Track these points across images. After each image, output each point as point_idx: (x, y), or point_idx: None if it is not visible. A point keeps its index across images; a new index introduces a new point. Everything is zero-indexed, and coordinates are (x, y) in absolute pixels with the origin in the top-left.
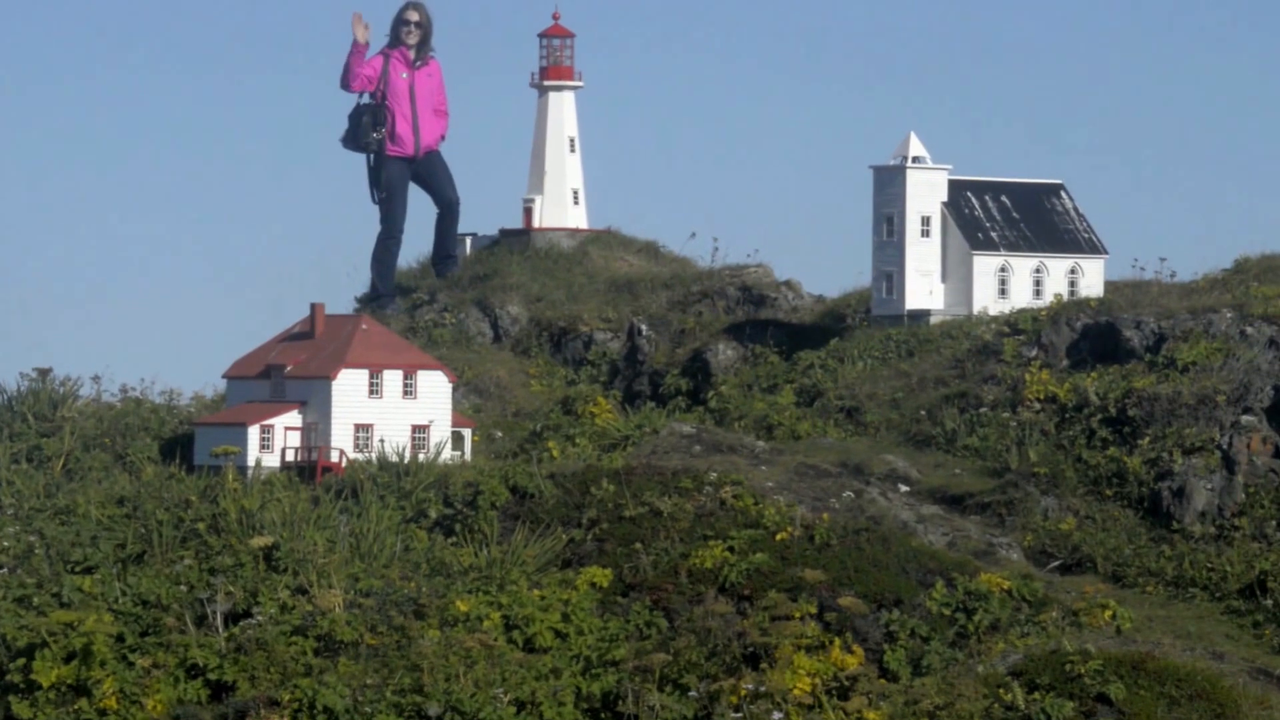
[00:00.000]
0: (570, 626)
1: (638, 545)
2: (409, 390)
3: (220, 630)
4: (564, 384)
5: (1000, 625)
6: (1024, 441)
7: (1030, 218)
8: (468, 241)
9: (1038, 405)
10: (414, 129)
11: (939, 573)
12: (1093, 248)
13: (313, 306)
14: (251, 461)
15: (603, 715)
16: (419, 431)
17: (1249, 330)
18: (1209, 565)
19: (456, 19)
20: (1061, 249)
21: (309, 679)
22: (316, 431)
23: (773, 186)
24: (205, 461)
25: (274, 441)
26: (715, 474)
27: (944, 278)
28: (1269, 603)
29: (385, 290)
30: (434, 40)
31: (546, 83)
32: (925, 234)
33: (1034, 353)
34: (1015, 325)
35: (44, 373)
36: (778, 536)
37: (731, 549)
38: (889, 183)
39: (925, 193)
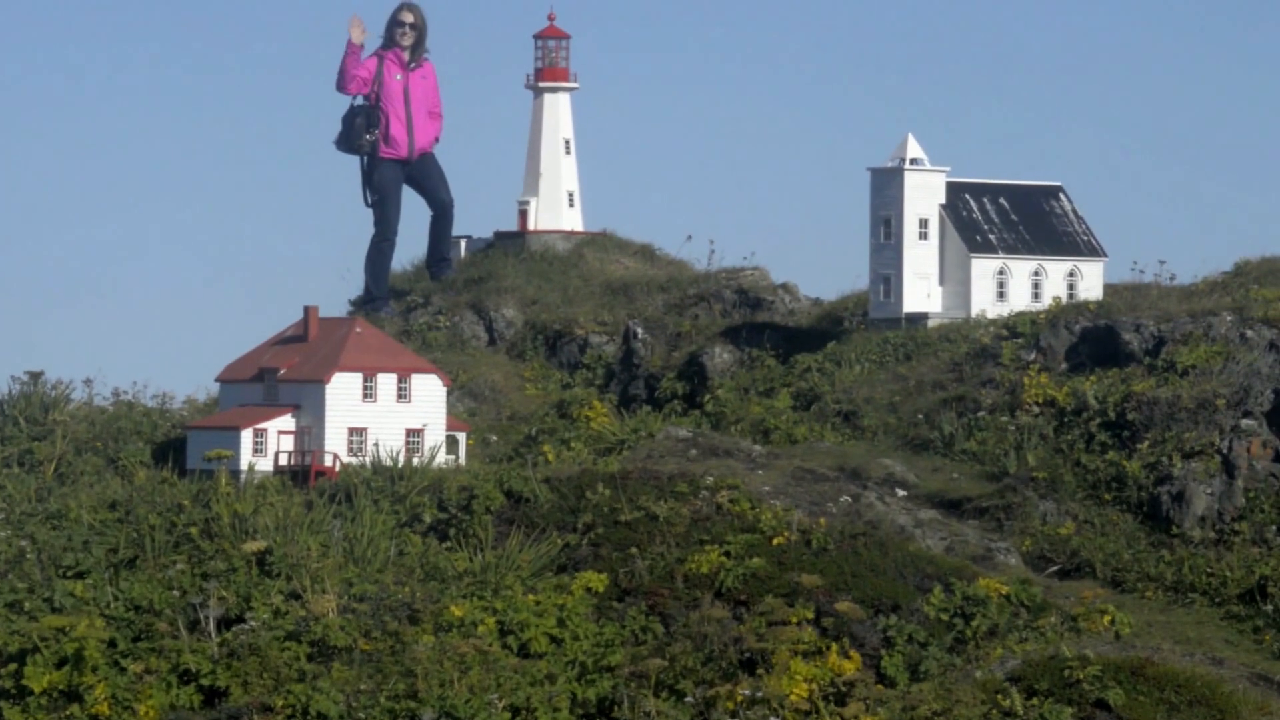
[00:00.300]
0: (565, 632)
1: (633, 550)
2: (403, 394)
3: (213, 635)
4: (559, 387)
5: (998, 631)
6: (1022, 445)
7: (1029, 220)
8: (462, 244)
9: (1036, 409)
10: (408, 131)
11: (937, 578)
12: (1092, 250)
13: (306, 309)
14: (244, 465)
15: None
16: (413, 435)
17: (1249, 333)
18: (1209, 570)
19: (451, 20)
20: (1060, 251)
21: (302, 685)
22: (310, 435)
23: (769, 189)
24: (198, 465)
25: (267, 445)
26: (712, 478)
27: (942, 280)
28: (1269, 608)
29: (379, 293)
30: (428, 41)
31: (542, 84)
32: (923, 236)
33: (1032, 356)
34: (1014, 328)
35: (35, 376)
36: (774, 541)
37: (728, 554)
38: (886, 185)
39: (923, 195)
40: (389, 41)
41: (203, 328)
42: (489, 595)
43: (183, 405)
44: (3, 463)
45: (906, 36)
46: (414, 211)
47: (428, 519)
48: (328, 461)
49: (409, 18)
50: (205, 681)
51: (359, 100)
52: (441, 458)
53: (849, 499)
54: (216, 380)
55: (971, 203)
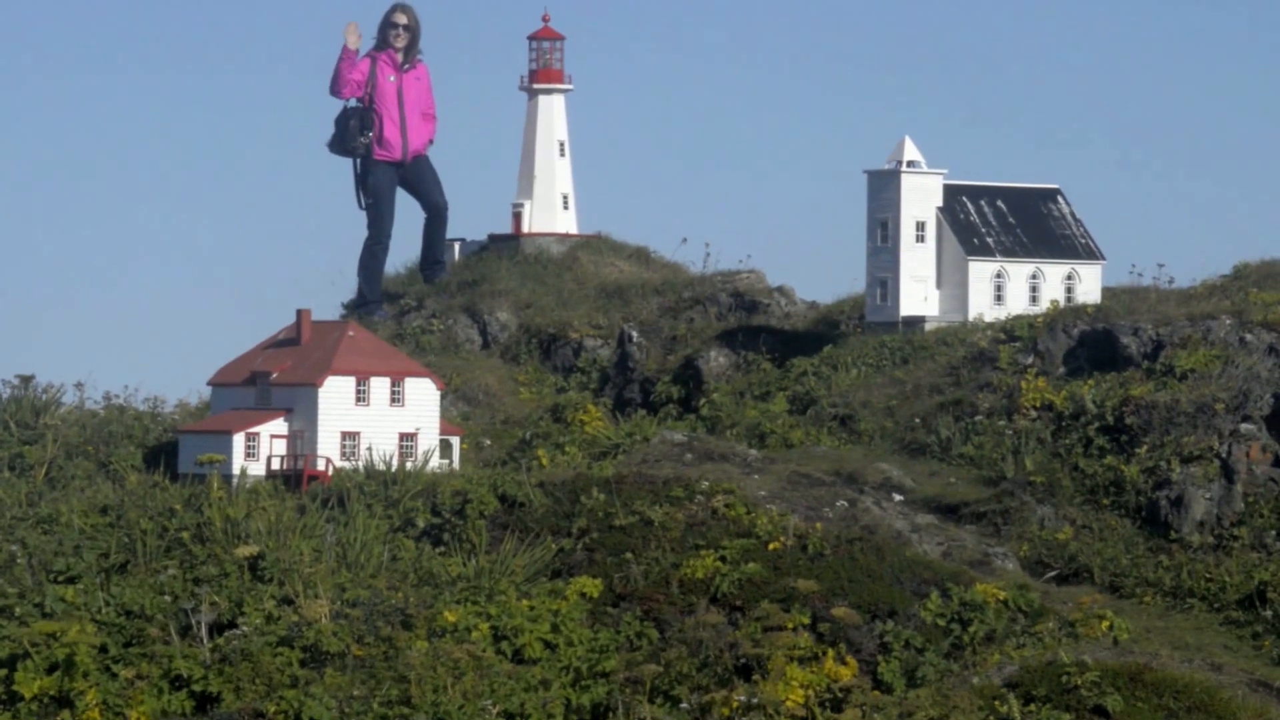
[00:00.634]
0: (560, 637)
1: (628, 555)
2: (396, 398)
3: (205, 641)
4: (553, 391)
5: (996, 636)
6: (1020, 450)
7: (1026, 223)
8: (456, 247)
9: (1034, 413)
10: (402, 133)
11: (934, 583)
12: (1090, 253)
13: (299, 313)
14: (236, 470)
15: None
16: (406, 439)
17: (1248, 337)
18: (1207, 575)
19: (445, 21)
20: (1058, 254)
21: (295, 690)
22: (303, 439)
23: (765, 191)
24: (190, 470)
25: (259, 449)
26: (707, 483)
27: (939, 284)
28: (1268, 613)
29: (372, 296)
30: (422, 43)
31: (536, 86)
32: (920, 239)
33: (1030, 360)
34: (1011, 332)
35: (26, 379)
36: (770, 546)
37: (723, 559)
38: (883, 187)
39: (920, 198)
40: (382, 43)
41: (195, 331)
42: (483, 600)
43: (174, 409)
44: None
45: (903, 39)
46: (408, 214)
47: (421, 524)
48: (320, 466)
49: (402, 19)
50: (197, 687)
51: (352, 103)
52: (435, 462)
53: (845, 503)
54: (208, 384)
55: (969, 205)
